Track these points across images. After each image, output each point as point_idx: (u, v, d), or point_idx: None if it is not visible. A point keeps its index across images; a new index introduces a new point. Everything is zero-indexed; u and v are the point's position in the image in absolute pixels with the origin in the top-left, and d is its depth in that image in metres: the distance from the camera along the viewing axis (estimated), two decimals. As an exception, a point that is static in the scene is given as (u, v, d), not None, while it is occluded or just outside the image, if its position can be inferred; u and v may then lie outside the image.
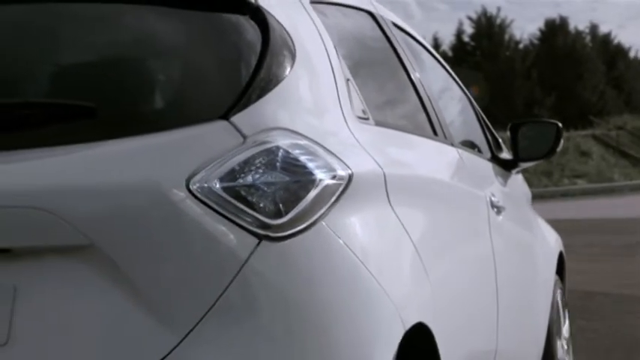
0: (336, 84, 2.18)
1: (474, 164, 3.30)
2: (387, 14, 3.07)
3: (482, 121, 3.88)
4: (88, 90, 1.97)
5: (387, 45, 2.90)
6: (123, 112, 1.94)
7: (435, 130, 2.94)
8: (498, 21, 58.72)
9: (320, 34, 2.24)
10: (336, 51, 2.28)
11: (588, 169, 41.62)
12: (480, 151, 3.65)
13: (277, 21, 2.07)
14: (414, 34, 3.40)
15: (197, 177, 1.82)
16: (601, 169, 42.36)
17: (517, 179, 4.05)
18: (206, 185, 1.81)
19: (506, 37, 59.14)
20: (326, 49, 2.22)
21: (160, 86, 2.02)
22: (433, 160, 2.81)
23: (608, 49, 63.70)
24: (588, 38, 63.47)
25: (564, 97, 54.57)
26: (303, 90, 2.08)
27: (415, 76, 2.97)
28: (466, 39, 58.88)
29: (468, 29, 59.46)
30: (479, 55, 55.14)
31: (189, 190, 1.81)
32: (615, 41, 66.14)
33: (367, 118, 2.29)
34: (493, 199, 3.22)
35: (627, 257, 12.03)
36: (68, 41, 2.10)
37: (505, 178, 3.73)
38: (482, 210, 3.09)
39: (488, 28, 57.84)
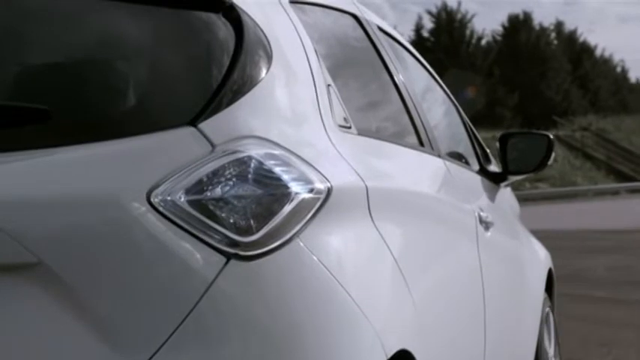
0: (315, 89, 2.04)
1: (461, 177, 3.17)
2: (372, 17, 2.95)
3: (470, 132, 3.77)
4: (39, 92, 1.82)
5: (372, 50, 2.77)
6: (78, 116, 1.78)
7: (421, 140, 2.82)
8: (459, 16, 58.45)
9: (299, 36, 2.10)
10: (317, 54, 2.14)
11: (551, 173, 40.98)
12: (467, 163, 3.52)
13: (252, 20, 1.93)
14: (400, 39, 3.29)
15: (160, 189, 1.66)
16: (564, 173, 42.10)
17: (505, 193, 3.94)
18: (169, 198, 1.66)
19: (468, 32, 58.87)
20: (305, 52, 2.09)
21: (121, 89, 1.85)
22: (419, 172, 2.69)
23: (573, 47, 63.84)
24: (553, 35, 63.48)
25: (527, 96, 54.37)
26: (279, 95, 1.93)
27: (400, 82, 2.84)
28: (426, 34, 58.56)
29: (428, 24, 59.38)
30: (439, 51, 53.85)
31: (151, 204, 1.65)
32: (581, 39, 66.42)
33: (349, 127, 2.15)
34: (481, 214, 3.11)
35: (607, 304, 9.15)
36: (19, 38, 1.92)
37: (493, 192, 3.62)
38: (470, 226, 2.97)
39: (449, 24, 57.39)
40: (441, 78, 3.77)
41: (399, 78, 2.85)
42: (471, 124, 3.84)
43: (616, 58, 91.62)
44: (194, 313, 1.63)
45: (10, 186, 1.66)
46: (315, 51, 2.15)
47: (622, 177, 42.90)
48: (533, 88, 55.17)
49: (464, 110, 3.84)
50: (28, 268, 1.64)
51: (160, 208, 1.65)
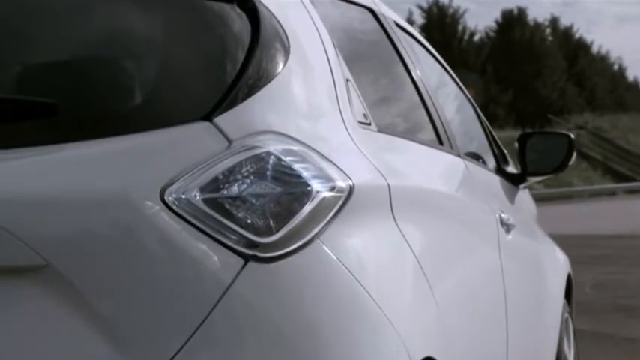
0: (334, 84, 1.96)
1: (481, 178, 3.11)
2: (389, 13, 2.87)
3: (488, 132, 3.71)
4: (47, 86, 1.75)
5: (390, 46, 2.70)
6: (88, 111, 1.72)
7: (440, 139, 2.74)
8: (451, 11, 58.17)
9: (317, 28, 2.03)
10: (335, 47, 2.07)
11: (545, 173, 39.10)
12: (485, 163, 3.45)
13: (269, 11, 1.86)
14: (417, 35, 3.24)
15: (174, 187, 1.59)
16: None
17: (524, 195, 3.87)
18: (184, 196, 1.59)
19: (460, 28, 58.59)
20: (323, 45, 2.01)
21: (132, 82, 1.79)
22: (440, 172, 2.63)
23: (569, 43, 63.33)
24: (548, 31, 62.99)
25: (522, 94, 54.17)
26: (297, 89, 1.86)
27: (419, 79, 2.78)
28: (417, 30, 56.33)
29: (419, 19, 58.82)
30: None
31: (164, 202, 1.58)
32: (577, 35, 65.63)
33: (369, 124, 2.07)
34: (503, 216, 3.04)
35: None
36: (29, 31, 1.86)
37: (513, 194, 3.55)
38: (492, 228, 2.90)
39: (440, 19, 57.10)
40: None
41: (416, 74, 2.78)
42: (488, 124, 3.76)
43: (613, 56, 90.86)
44: (211, 317, 1.55)
45: (15, 184, 1.60)
46: (334, 44, 2.07)
47: (619, 177, 42.63)
48: (528, 86, 54.87)
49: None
50: (35, 271, 1.57)
51: (174, 207, 1.58)
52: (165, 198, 1.58)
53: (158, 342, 1.55)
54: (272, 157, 1.64)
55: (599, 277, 10.27)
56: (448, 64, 3.59)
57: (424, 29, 56.35)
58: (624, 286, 9.75)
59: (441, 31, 55.63)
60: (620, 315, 7.83)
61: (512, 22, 58.51)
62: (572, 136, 3.73)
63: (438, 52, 3.52)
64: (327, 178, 1.70)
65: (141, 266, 1.56)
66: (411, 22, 56.85)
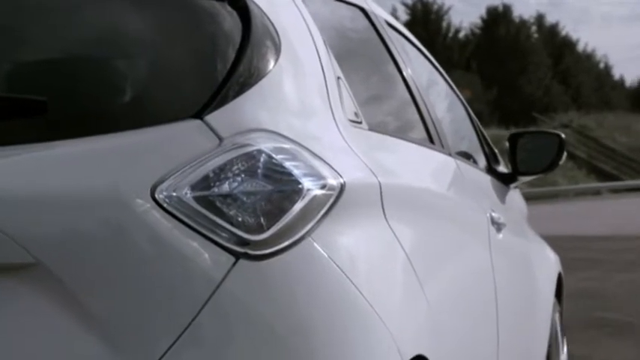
0: (325, 82, 1.97)
1: (472, 177, 3.13)
2: (380, 12, 2.88)
3: (478, 131, 3.73)
4: (39, 82, 1.75)
5: (381, 44, 2.72)
6: (78, 108, 1.72)
7: (431, 137, 2.76)
8: (435, 7, 57.76)
9: (308, 27, 2.04)
10: (326, 46, 2.08)
11: (529, 172, 38.85)
12: (475, 162, 3.47)
13: (260, 9, 1.86)
14: (408, 35, 3.25)
15: (164, 184, 1.59)
16: None
17: (515, 194, 3.90)
18: (175, 194, 1.59)
19: (444, 25, 58.25)
20: (314, 43, 2.02)
21: (123, 80, 1.79)
22: (431, 170, 2.64)
23: (555, 41, 62.75)
24: (534, 29, 62.59)
25: (506, 92, 53.61)
26: (288, 87, 1.86)
27: (410, 79, 2.79)
28: None
29: (403, 16, 58.33)
30: None
31: (155, 200, 1.58)
32: (563, 33, 65.04)
33: (360, 122, 2.08)
34: (493, 215, 3.06)
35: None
36: (19, 29, 1.85)
37: (504, 193, 3.58)
38: (483, 227, 2.91)
39: (425, 15, 56.61)
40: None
41: (408, 73, 2.78)
42: (479, 123, 3.80)
43: (599, 54, 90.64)
44: (201, 315, 1.55)
45: (5, 182, 1.59)
46: (325, 42, 2.08)
47: (604, 176, 42.48)
48: (513, 84, 54.48)
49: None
50: (25, 269, 1.57)
51: (165, 205, 1.58)
52: (156, 195, 1.57)
53: (148, 340, 1.54)
54: (263, 154, 1.64)
55: (577, 284, 9.19)
56: None
57: (408, 26, 54.92)
58: (603, 295, 9.04)
59: (425, 27, 55.16)
60: (595, 332, 6.90)
61: (497, 19, 58.13)
62: (563, 135, 3.74)
63: None
64: (318, 176, 1.70)
65: (131, 264, 1.56)
66: (394, 18, 56.54)
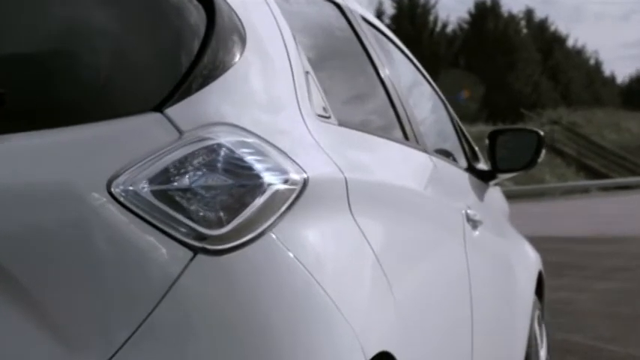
0: (293, 76, 1.96)
1: (448, 174, 3.13)
2: (356, 7, 2.87)
3: (458, 128, 3.75)
4: None
5: (355, 39, 2.71)
6: (34, 100, 1.70)
7: (406, 134, 2.75)
8: (422, 1, 56.59)
9: (275, 19, 2.02)
10: (295, 41, 2.06)
11: (516, 169, 38.55)
12: (455, 160, 3.49)
13: (225, 2, 1.85)
14: (385, 30, 3.24)
15: (121, 178, 1.58)
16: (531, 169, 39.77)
17: (494, 192, 3.90)
18: (131, 188, 1.57)
19: (431, 19, 57.20)
20: (283, 38, 2.00)
21: (83, 72, 1.76)
22: (403, 166, 2.63)
23: (544, 36, 62.11)
24: (523, 23, 61.73)
25: (494, 88, 52.64)
26: (253, 80, 1.85)
27: (385, 74, 2.79)
28: (387, 21, 56.29)
29: (390, 10, 58.08)
30: (400, 39, 51.85)
31: (111, 194, 1.57)
32: (552, 28, 64.31)
33: (328, 117, 2.07)
34: (469, 212, 3.07)
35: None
36: None
37: (482, 191, 3.59)
38: (457, 224, 2.92)
39: (411, 9, 55.73)
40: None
41: (383, 69, 2.77)
42: (458, 121, 3.81)
43: (589, 50, 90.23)
44: (157, 311, 1.55)
45: None
46: (294, 37, 2.06)
47: (593, 174, 42.11)
48: (501, 79, 53.80)
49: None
50: None
51: (121, 199, 1.57)
52: (112, 190, 1.56)
53: (103, 335, 1.53)
54: (224, 148, 1.63)
55: (547, 295, 8.21)
56: (419, 56, 3.49)
57: (394, 20, 55.49)
58: (573, 311, 7.74)
59: (412, 22, 54.60)
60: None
61: (485, 13, 57.48)
62: (542, 133, 3.77)
63: (409, 44, 3.44)
64: (281, 171, 1.69)
65: (86, 259, 1.55)
66: (381, 12, 56.10)
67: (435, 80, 3.77)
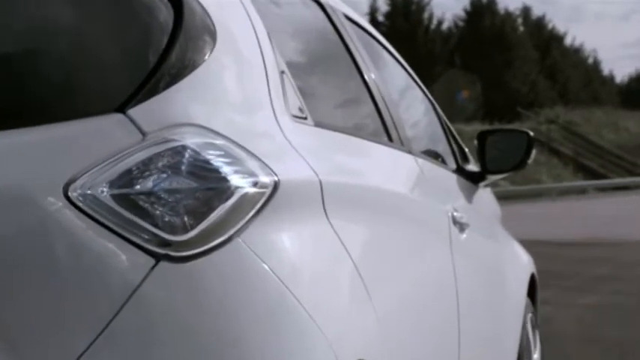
0: (267, 75, 1.91)
1: (434, 176, 3.09)
2: (339, 5, 2.83)
3: (446, 129, 3.72)
4: None
5: (337, 38, 2.66)
6: None
7: (390, 135, 2.70)
8: None
9: (250, 17, 1.97)
10: (270, 40, 2.01)
11: (513, 169, 38.36)
12: (443, 161, 3.46)
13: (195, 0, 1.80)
14: (370, 30, 3.21)
15: (79, 181, 1.53)
16: (527, 169, 39.24)
17: (484, 193, 3.86)
18: (90, 192, 1.53)
19: (426, 16, 56.61)
20: (256, 35, 1.95)
21: (42, 70, 1.70)
22: (385, 168, 2.57)
23: (541, 34, 61.68)
24: (519, 21, 61.40)
25: (491, 87, 51.71)
26: (224, 80, 1.80)
27: (368, 74, 2.74)
28: (381, 18, 55.83)
29: (383, 7, 57.58)
30: (394, 37, 51.33)
31: (68, 199, 1.52)
32: (550, 26, 64.06)
33: (305, 118, 2.03)
34: (455, 214, 3.01)
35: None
36: None
37: (471, 192, 3.56)
38: (443, 227, 2.87)
39: (405, 6, 55.23)
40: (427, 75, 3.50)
41: (366, 69, 2.72)
42: (447, 122, 3.78)
43: (588, 49, 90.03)
44: (117, 321, 1.50)
45: None
46: (269, 37, 2.01)
47: (591, 174, 41.86)
48: (498, 78, 53.24)
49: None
50: None
51: (79, 204, 1.52)
52: (70, 194, 1.52)
53: (61, 344, 1.49)
54: (189, 150, 1.58)
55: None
56: (413, 54, 3.98)
57: (388, 17, 55.03)
58: (548, 332, 5.88)
59: (406, 19, 54.14)
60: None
61: (481, 10, 56.95)
62: (532, 133, 3.75)
63: (403, 42, 3.74)
64: (250, 174, 1.64)
65: (43, 266, 1.50)
66: (374, 9, 55.75)
67: (430, 79, 4.17)
